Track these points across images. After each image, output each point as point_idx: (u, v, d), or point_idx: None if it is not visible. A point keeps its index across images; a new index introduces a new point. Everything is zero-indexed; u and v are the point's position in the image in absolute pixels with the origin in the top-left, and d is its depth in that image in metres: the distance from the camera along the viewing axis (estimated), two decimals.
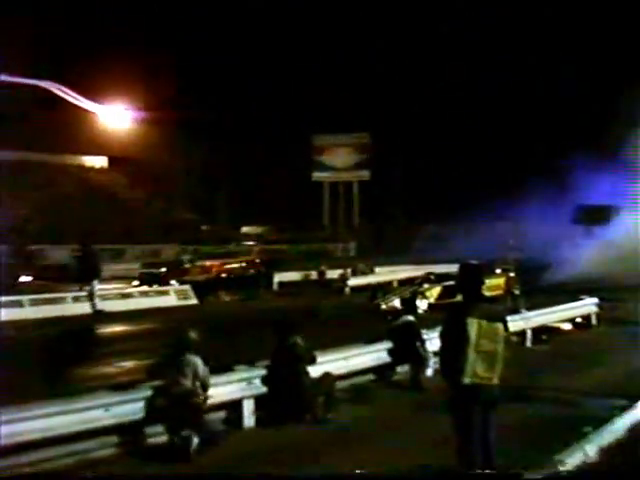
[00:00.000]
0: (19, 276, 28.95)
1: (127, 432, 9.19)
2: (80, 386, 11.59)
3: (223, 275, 31.44)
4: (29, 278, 28.99)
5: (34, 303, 22.09)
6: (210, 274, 30.93)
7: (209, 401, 9.75)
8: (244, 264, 33.27)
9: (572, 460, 8.06)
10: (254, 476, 7.85)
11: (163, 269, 30.98)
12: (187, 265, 31.79)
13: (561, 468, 7.31)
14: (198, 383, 9.41)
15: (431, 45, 55.77)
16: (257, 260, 34.62)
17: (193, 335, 9.69)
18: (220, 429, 9.71)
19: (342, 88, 57.11)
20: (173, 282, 27.82)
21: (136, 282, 28.84)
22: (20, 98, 45.56)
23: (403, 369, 13.36)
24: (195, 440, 9.00)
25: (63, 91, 30.93)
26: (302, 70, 55.65)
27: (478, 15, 53.35)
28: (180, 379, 9.31)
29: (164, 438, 9.32)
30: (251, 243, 45.26)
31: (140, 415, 9.21)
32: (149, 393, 9.39)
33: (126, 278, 30.76)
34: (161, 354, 10.48)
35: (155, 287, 26.96)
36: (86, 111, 50.17)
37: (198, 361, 9.44)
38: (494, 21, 52.84)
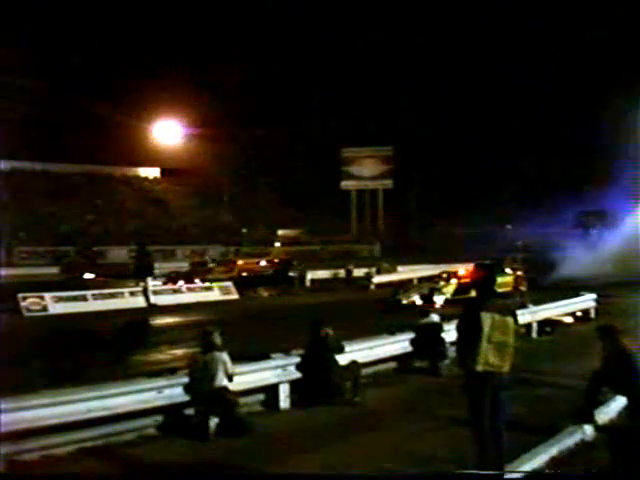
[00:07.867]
0: (83, 273, 29.17)
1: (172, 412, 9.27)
2: (137, 370, 11.69)
3: (244, 274, 30.37)
4: (92, 275, 29.12)
5: (96, 297, 22.49)
6: (232, 273, 29.82)
7: (247, 386, 9.95)
8: (264, 263, 32.54)
9: (571, 439, 8.10)
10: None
11: (186, 269, 30.47)
12: (210, 265, 31.25)
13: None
14: (227, 376, 9.38)
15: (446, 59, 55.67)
16: (275, 260, 33.73)
17: (217, 336, 9.61)
18: (245, 418, 9.46)
19: (367, 106, 57.24)
20: (197, 280, 26.98)
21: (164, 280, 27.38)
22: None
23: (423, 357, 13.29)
24: (212, 423, 8.99)
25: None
26: (333, 91, 55.86)
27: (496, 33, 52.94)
28: (211, 376, 9.27)
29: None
30: (278, 244, 44.36)
31: (186, 398, 9.28)
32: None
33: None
34: (192, 354, 10.46)
35: (200, 284, 26.49)
36: (142, 129, 51.01)
37: (226, 358, 9.40)
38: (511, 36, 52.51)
